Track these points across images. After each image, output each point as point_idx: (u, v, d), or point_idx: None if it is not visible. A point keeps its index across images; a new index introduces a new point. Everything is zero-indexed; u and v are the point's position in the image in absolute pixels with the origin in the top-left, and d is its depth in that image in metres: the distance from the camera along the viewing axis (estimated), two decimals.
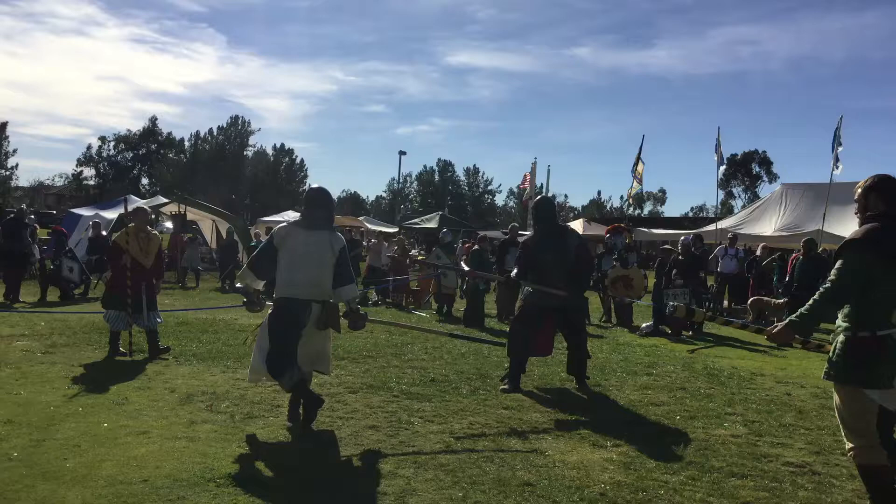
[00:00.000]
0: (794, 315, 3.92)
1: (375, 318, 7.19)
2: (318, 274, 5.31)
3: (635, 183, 22.27)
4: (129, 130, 73.57)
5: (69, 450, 4.53)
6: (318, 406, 5.30)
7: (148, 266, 8.01)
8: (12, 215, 14.19)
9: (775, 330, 3.95)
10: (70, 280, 13.65)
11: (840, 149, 16.81)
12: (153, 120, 74.83)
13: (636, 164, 22.62)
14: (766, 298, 13.70)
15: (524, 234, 27.67)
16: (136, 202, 18.92)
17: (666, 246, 14.98)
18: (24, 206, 18.55)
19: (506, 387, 6.85)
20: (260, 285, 5.63)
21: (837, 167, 16.91)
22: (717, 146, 19.93)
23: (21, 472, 4.10)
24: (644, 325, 12.31)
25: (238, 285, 5.77)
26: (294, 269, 5.27)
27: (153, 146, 74.78)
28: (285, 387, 5.31)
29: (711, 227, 20.69)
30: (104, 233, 15.77)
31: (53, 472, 4.13)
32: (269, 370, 5.22)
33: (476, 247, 13.73)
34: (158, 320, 8.11)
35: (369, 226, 38.10)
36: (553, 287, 6.90)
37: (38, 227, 14.52)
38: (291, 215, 27.48)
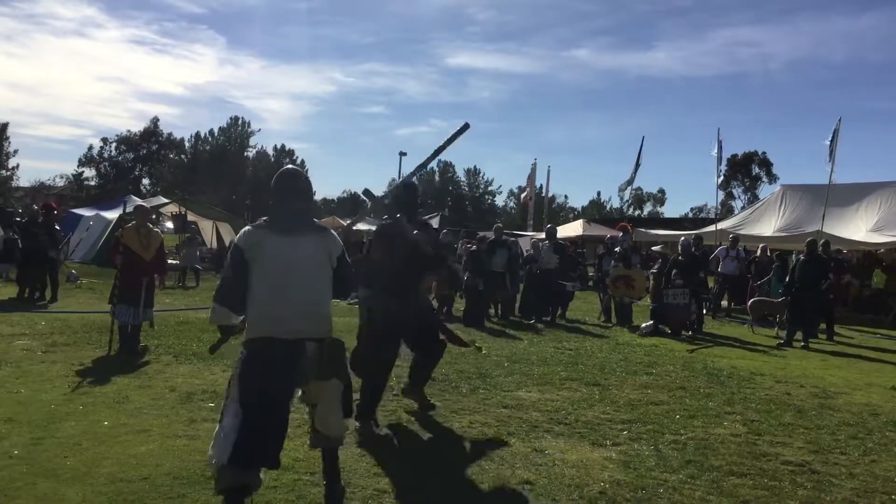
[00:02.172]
0: None
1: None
2: (314, 298, 3.71)
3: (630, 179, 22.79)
4: (129, 131, 73.59)
5: (69, 448, 4.54)
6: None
7: (148, 259, 8.21)
8: (26, 217, 14.18)
9: None
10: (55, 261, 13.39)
11: (831, 147, 16.86)
12: (155, 121, 74.86)
13: (636, 165, 22.79)
14: (765, 300, 13.84)
15: (525, 235, 27.59)
16: (136, 202, 18.96)
17: (656, 247, 15.00)
18: (33, 206, 18.50)
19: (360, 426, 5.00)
20: (239, 320, 3.81)
21: (831, 167, 16.99)
22: (719, 147, 19.96)
23: (22, 470, 4.11)
24: (644, 324, 12.32)
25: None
26: (276, 294, 3.61)
27: (154, 147, 74.80)
28: (251, 486, 3.56)
29: (711, 227, 20.68)
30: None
31: (54, 470, 4.13)
32: (235, 459, 3.41)
33: (474, 248, 13.70)
34: (150, 318, 8.34)
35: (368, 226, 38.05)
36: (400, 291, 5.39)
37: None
38: None
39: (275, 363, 3.57)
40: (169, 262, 11.89)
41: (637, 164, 22.71)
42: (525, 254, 14.71)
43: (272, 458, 3.58)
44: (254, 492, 3.62)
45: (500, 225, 15.26)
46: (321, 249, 3.76)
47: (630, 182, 23.61)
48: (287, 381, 3.64)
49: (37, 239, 13.06)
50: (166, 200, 25.25)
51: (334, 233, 3.94)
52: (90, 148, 73.43)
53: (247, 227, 3.83)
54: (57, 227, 14.44)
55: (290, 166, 4.19)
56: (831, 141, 16.84)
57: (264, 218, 3.83)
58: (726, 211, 50.11)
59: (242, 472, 3.49)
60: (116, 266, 8.34)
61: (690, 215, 65.28)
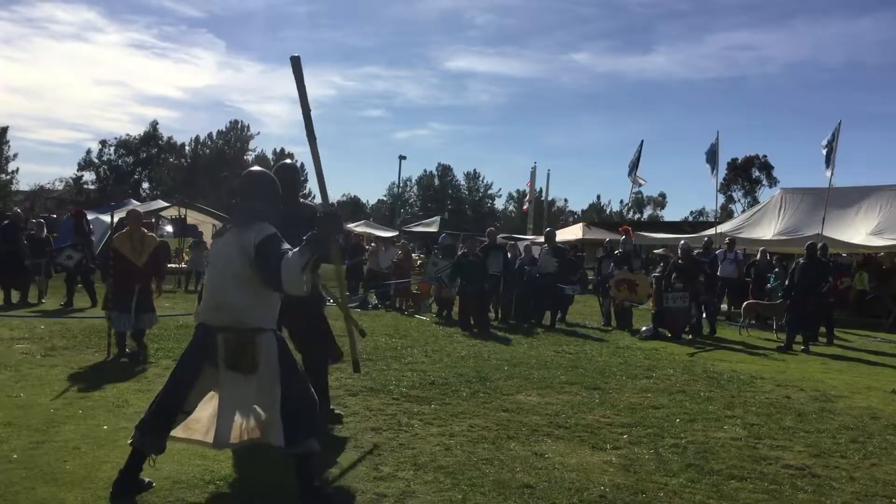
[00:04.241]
0: None
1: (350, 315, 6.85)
2: (221, 289, 3.80)
3: (638, 181, 22.62)
4: (128, 135, 73.66)
5: (69, 452, 4.53)
6: None
7: (139, 265, 8.02)
8: (7, 220, 14.14)
9: None
10: (65, 266, 13.03)
11: (825, 150, 16.91)
12: (154, 124, 74.93)
13: (635, 168, 22.74)
14: (759, 302, 13.84)
15: (525, 238, 27.56)
16: (134, 206, 18.97)
17: (658, 250, 15.02)
18: (17, 209, 18.46)
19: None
20: None
21: (830, 171, 17.00)
22: (715, 152, 19.98)
23: (21, 474, 4.10)
24: (644, 328, 12.32)
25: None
26: (205, 287, 4.06)
27: (154, 150, 74.86)
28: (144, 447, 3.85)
29: (711, 231, 20.69)
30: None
31: (53, 474, 4.12)
32: (139, 428, 3.85)
33: (465, 251, 13.51)
34: (146, 326, 8.15)
35: (370, 230, 38.13)
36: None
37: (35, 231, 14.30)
38: None
39: (194, 345, 3.90)
40: (169, 265, 11.76)
41: (637, 164, 22.62)
42: (520, 258, 14.63)
43: (151, 430, 3.84)
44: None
45: (492, 228, 15.25)
46: (235, 243, 3.78)
47: (634, 177, 23.45)
48: (196, 361, 3.85)
49: (17, 244, 13.03)
50: (166, 204, 25.23)
51: (264, 225, 3.77)
52: (89, 152, 73.51)
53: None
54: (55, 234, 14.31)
55: (256, 168, 4.25)
56: (830, 142, 16.87)
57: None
58: (726, 214, 50.12)
59: (140, 437, 3.85)
60: (107, 275, 8.21)
61: (691, 219, 65.34)
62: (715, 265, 14.35)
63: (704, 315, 12.85)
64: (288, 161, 5.67)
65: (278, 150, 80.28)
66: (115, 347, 7.91)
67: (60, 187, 70.60)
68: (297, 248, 3.62)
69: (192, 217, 24.47)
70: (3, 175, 64.54)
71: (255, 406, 3.85)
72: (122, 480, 3.84)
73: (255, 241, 3.69)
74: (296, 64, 4.47)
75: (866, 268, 17.09)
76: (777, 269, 15.12)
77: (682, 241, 13.92)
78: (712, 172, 20.34)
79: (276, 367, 3.80)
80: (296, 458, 3.84)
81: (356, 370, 5.64)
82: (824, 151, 17.06)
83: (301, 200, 5.59)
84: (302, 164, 78.44)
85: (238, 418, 3.83)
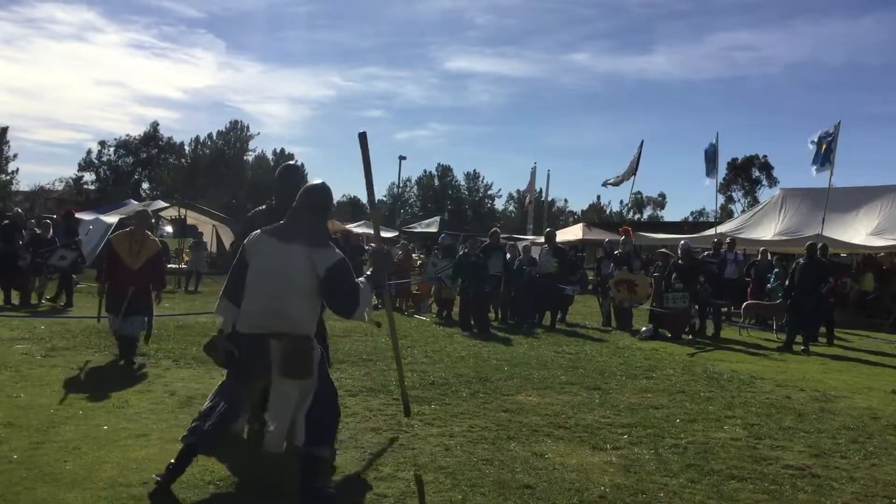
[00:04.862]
0: None
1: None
2: (285, 297, 3.82)
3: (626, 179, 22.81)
4: (128, 135, 73.68)
5: (69, 452, 4.53)
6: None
7: (134, 268, 7.65)
8: (7, 221, 14.14)
9: None
10: (58, 267, 12.87)
11: (817, 148, 16.93)
12: (155, 125, 74.94)
13: (635, 168, 22.81)
14: (759, 302, 13.83)
15: (525, 238, 27.57)
16: (136, 207, 18.96)
17: (663, 249, 14.99)
18: (18, 210, 18.47)
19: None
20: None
21: (822, 168, 17.01)
22: (714, 152, 20.00)
23: (21, 475, 4.10)
24: (644, 328, 12.32)
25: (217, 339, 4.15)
26: (253, 292, 3.89)
27: (154, 151, 74.88)
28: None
29: (711, 231, 20.70)
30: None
31: (53, 475, 4.13)
32: (193, 432, 3.89)
33: (466, 251, 13.51)
34: (141, 329, 7.77)
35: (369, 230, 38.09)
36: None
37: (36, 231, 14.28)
38: None
39: (241, 358, 3.90)
40: (169, 266, 11.63)
41: (635, 168, 22.74)
42: (519, 258, 14.61)
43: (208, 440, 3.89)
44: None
45: (496, 229, 15.26)
46: (304, 258, 3.82)
47: (620, 181, 23.60)
48: (250, 374, 3.90)
49: (16, 245, 13.02)
50: (166, 204, 25.26)
51: (334, 250, 3.92)
52: (89, 152, 73.54)
53: (256, 231, 4.09)
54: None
55: (318, 182, 4.16)
56: (822, 138, 16.88)
57: (281, 222, 4.03)
58: (726, 214, 50.14)
59: (192, 439, 3.90)
60: (101, 278, 7.96)
61: (691, 219, 65.34)
62: (724, 266, 14.29)
63: (710, 317, 12.81)
64: (292, 164, 5.60)
65: (278, 151, 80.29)
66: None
67: (60, 188, 70.60)
68: (363, 283, 4.03)
69: (192, 217, 24.52)
70: (4, 175, 64.53)
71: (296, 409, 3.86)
72: (168, 478, 3.85)
73: (328, 263, 3.82)
74: (363, 140, 4.84)
75: (870, 268, 17.09)
76: (777, 270, 15.12)
77: (683, 242, 13.91)
78: (708, 174, 20.39)
79: (317, 375, 3.90)
80: (303, 459, 3.86)
81: (407, 414, 5.43)
82: (812, 147, 17.08)
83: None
84: (301, 165, 78.64)
85: (286, 422, 3.83)
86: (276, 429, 3.79)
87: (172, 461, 3.90)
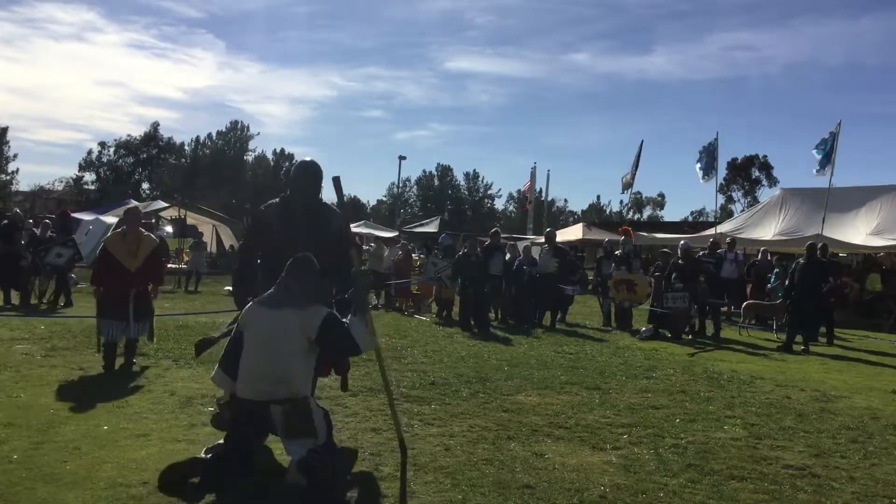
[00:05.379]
0: None
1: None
2: (281, 364, 4.07)
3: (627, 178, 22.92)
4: (129, 135, 73.73)
5: (69, 452, 4.53)
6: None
7: (132, 269, 7.42)
8: (6, 220, 14.13)
9: None
10: (54, 265, 12.77)
11: (818, 151, 16.93)
12: (155, 125, 74.98)
13: (635, 168, 22.87)
14: (759, 302, 13.82)
15: (525, 238, 27.52)
16: (132, 205, 18.91)
17: (665, 249, 14.99)
18: (17, 210, 18.49)
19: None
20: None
21: (823, 172, 17.03)
22: (712, 152, 20.01)
23: (21, 475, 4.10)
24: (644, 328, 12.32)
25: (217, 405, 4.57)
26: (248, 359, 4.17)
27: (154, 151, 74.93)
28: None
29: (711, 231, 20.70)
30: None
31: (53, 475, 4.13)
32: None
33: (465, 251, 13.48)
34: (142, 333, 7.63)
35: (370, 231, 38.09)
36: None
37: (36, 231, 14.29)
38: None
39: (243, 421, 4.16)
40: (168, 265, 11.56)
41: (635, 168, 22.82)
42: (518, 258, 14.60)
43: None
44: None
45: (497, 229, 15.25)
46: (295, 323, 4.11)
47: (630, 183, 23.73)
48: (255, 435, 4.22)
49: (16, 245, 13.00)
50: (166, 204, 25.26)
51: (321, 308, 4.22)
52: (89, 152, 73.59)
53: (249, 303, 4.37)
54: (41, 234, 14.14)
55: (307, 255, 4.34)
56: (825, 141, 16.88)
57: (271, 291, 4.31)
58: (726, 214, 50.13)
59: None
60: (98, 283, 7.52)
61: (690, 219, 65.38)
62: (720, 266, 14.29)
63: (709, 317, 12.81)
64: (308, 160, 5.46)
65: (278, 151, 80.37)
66: (104, 360, 7.20)
67: (60, 188, 70.64)
68: (352, 314, 4.30)
69: (192, 217, 24.51)
70: (3, 175, 64.58)
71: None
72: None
73: (316, 324, 4.12)
74: (336, 183, 5.01)
75: (872, 268, 17.06)
76: (777, 270, 15.11)
77: (682, 241, 13.91)
78: (703, 176, 20.40)
79: (325, 431, 4.24)
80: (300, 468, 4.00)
81: (403, 455, 4.66)
82: (817, 154, 17.11)
83: (323, 202, 5.39)
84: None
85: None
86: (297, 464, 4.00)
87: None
